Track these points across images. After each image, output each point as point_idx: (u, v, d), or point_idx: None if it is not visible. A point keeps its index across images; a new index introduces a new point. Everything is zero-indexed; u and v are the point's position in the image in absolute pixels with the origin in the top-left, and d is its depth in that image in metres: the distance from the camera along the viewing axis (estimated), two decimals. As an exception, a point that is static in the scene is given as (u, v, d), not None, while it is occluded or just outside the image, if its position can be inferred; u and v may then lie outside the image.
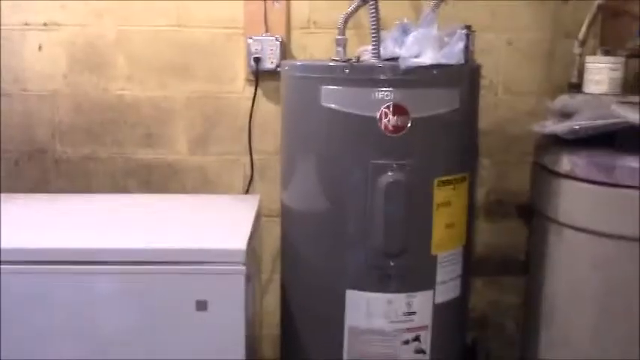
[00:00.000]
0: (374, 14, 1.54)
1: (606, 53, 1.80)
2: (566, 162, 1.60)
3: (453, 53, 1.50)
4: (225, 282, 1.46)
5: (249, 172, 2.08)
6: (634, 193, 1.49)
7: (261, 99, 2.05)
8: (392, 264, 1.52)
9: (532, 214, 1.85)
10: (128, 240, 1.52)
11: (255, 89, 2.02)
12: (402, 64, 1.46)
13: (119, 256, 1.46)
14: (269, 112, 2.05)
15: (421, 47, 1.50)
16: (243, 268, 1.46)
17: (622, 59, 1.76)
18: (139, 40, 2.03)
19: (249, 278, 1.51)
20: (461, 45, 1.50)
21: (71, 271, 1.45)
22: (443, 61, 1.47)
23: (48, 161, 2.08)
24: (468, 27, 1.59)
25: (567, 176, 1.60)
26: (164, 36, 2.03)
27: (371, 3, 1.54)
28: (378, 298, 1.54)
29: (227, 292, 1.46)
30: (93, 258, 1.45)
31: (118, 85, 2.05)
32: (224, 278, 1.46)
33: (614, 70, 1.73)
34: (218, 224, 1.67)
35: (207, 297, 1.45)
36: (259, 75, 2.00)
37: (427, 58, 1.47)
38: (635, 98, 1.70)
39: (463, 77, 1.57)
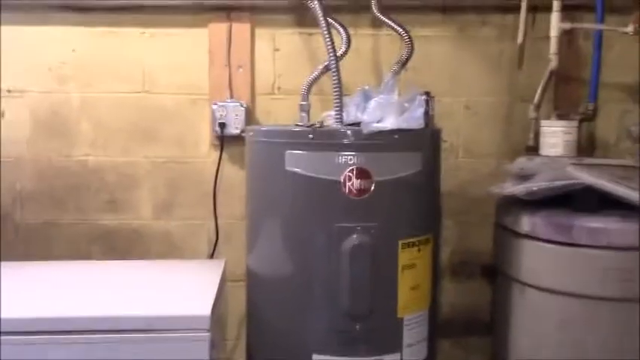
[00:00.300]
0: (336, 80, 1.58)
1: (560, 117, 1.87)
2: (526, 222, 1.64)
3: (413, 118, 1.53)
4: (189, 350, 1.43)
5: (214, 237, 2.07)
6: (592, 252, 1.53)
7: (226, 164, 2.06)
8: (358, 327, 1.51)
9: (495, 274, 1.87)
10: (88, 308, 1.49)
11: (220, 154, 2.03)
12: (365, 129, 1.49)
13: (79, 325, 1.42)
14: (234, 176, 2.06)
15: (383, 112, 1.54)
16: (208, 334, 1.43)
17: (575, 123, 1.84)
18: (103, 106, 2.04)
19: (213, 345, 1.48)
20: (421, 110, 1.54)
21: (29, 341, 1.40)
22: (404, 125, 1.50)
23: (9, 228, 2.04)
24: (428, 93, 1.64)
25: (528, 236, 1.64)
26: (129, 102, 2.04)
27: (333, 69, 1.59)
28: (345, 363, 1.52)
29: (191, 360, 1.43)
30: (51, 328, 1.41)
31: (81, 151, 2.05)
32: (188, 346, 1.43)
33: (568, 133, 1.80)
34: (182, 290, 1.64)
35: (171, 365, 1.42)
36: (224, 140, 2.02)
37: (389, 123, 1.50)
38: (589, 160, 1.77)
39: (424, 141, 1.60)
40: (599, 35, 1.97)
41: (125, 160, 2.06)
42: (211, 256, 2.08)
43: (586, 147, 2.06)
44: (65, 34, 2.01)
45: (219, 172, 2.05)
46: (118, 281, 1.72)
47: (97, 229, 2.07)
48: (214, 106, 2.00)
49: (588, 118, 1.97)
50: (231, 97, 2.02)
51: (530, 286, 1.64)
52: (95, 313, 1.46)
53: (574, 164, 1.67)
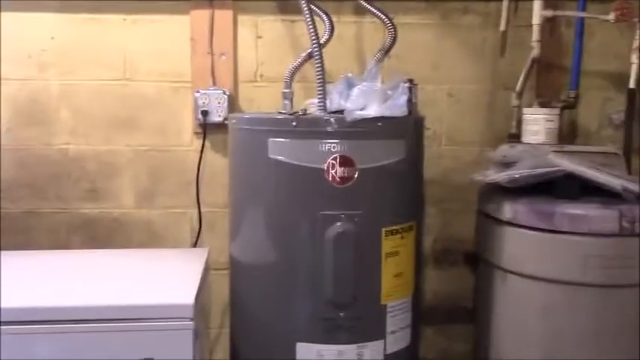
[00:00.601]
0: (319, 68, 1.57)
1: (542, 105, 1.88)
2: (509, 209, 1.65)
3: (396, 106, 1.53)
4: (172, 338, 1.43)
5: (197, 226, 2.06)
6: (573, 238, 1.54)
7: (209, 152, 2.05)
8: (342, 315, 1.51)
9: (478, 261, 1.88)
10: (71, 298, 1.48)
11: (203, 142, 2.02)
12: (348, 117, 1.48)
13: (62, 315, 1.41)
14: (217, 164, 2.05)
15: (366, 100, 1.53)
16: (192, 323, 1.43)
17: (557, 110, 1.85)
18: (83, 94, 2.01)
19: (197, 334, 1.48)
20: (404, 98, 1.55)
21: (12, 331, 1.39)
22: (387, 113, 1.50)
23: (-12, 217, 2.02)
24: (411, 80, 1.64)
25: (510, 223, 1.65)
26: (110, 89, 2.02)
27: (316, 57, 1.58)
28: (329, 350, 1.52)
29: (175, 349, 1.43)
30: (33, 317, 1.40)
31: (61, 139, 2.02)
32: (172, 335, 1.43)
33: (550, 120, 1.81)
34: (165, 279, 1.64)
35: (154, 355, 1.41)
36: (207, 128, 2.01)
37: (372, 111, 1.50)
38: (570, 147, 1.78)
39: (408, 128, 1.60)
40: (581, 23, 1.98)
41: (106, 149, 2.04)
42: (194, 244, 2.07)
43: (568, 134, 2.08)
44: (45, 20, 1.98)
45: (202, 161, 2.04)
46: (100, 270, 1.71)
47: (78, 218, 2.05)
48: (197, 94, 1.99)
49: (570, 105, 1.99)
50: (214, 84, 2.01)
51: (512, 272, 1.66)
52: (78, 303, 1.45)
53: (555, 152, 1.68)
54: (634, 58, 1.83)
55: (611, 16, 1.82)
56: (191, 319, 1.43)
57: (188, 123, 2.04)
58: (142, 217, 2.07)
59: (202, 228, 2.06)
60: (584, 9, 1.94)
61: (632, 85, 1.86)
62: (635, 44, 1.82)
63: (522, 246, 1.63)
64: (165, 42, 2.02)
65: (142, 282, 1.61)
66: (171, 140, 2.05)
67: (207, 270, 1.78)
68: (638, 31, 1.82)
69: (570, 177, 1.61)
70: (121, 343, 1.41)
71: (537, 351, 1.62)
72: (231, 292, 1.74)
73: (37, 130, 2.01)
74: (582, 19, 1.96)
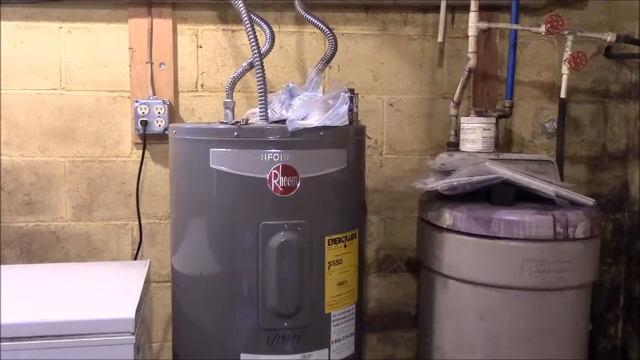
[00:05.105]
0: (260, 77, 1.57)
1: (478, 114, 1.93)
2: (448, 216, 1.68)
3: (338, 115, 1.55)
4: (114, 353, 1.40)
5: (137, 238, 2.03)
6: (510, 243, 1.59)
7: (149, 162, 2.02)
8: (286, 325, 1.51)
9: (420, 267, 1.91)
10: (6, 314, 1.42)
11: (143, 153, 1.99)
12: (290, 127, 1.49)
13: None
14: (158, 175, 2.02)
15: (307, 110, 1.54)
16: (132, 337, 1.41)
17: (493, 119, 1.90)
18: (17, 104, 1.96)
19: (138, 349, 1.45)
20: (345, 107, 1.56)
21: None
22: (328, 123, 1.52)
23: None
24: (352, 90, 1.66)
25: (449, 230, 1.68)
26: (45, 99, 1.97)
27: (257, 66, 1.58)
28: (273, 361, 1.52)
29: (116, 365, 1.40)
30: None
31: (-6, 151, 1.96)
32: (112, 350, 1.40)
33: (486, 129, 1.86)
34: (105, 293, 1.60)
35: (95, 371, 1.38)
36: (147, 138, 1.98)
37: (314, 121, 1.51)
38: (506, 155, 1.83)
39: (349, 138, 1.62)
40: (515, 35, 2.05)
41: (42, 160, 1.99)
42: (135, 257, 2.03)
43: (503, 143, 2.14)
44: (-24, 28, 1.92)
45: (142, 171, 2.01)
46: (37, 285, 1.66)
47: (12, 232, 1.99)
48: (136, 104, 1.96)
49: (505, 114, 2.04)
50: (154, 94, 1.98)
51: (451, 278, 1.69)
52: (13, 320, 1.40)
53: (492, 160, 1.73)
54: (565, 69, 1.90)
55: (542, 29, 1.88)
56: (132, 334, 1.41)
57: (127, 133, 2.01)
58: (80, 230, 2.02)
59: (143, 240, 2.03)
60: (517, 21, 2.00)
61: (563, 94, 1.93)
62: (566, 56, 1.89)
63: (461, 252, 1.67)
64: (103, 51, 1.98)
65: (80, 297, 1.57)
66: (110, 151, 2.01)
67: (148, 283, 1.75)
68: (568, 43, 1.89)
69: (506, 184, 1.66)
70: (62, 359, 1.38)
71: (476, 354, 1.65)
72: (174, 305, 1.71)
73: (-33, 142, 1.95)
74: (516, 31, 2.03)
